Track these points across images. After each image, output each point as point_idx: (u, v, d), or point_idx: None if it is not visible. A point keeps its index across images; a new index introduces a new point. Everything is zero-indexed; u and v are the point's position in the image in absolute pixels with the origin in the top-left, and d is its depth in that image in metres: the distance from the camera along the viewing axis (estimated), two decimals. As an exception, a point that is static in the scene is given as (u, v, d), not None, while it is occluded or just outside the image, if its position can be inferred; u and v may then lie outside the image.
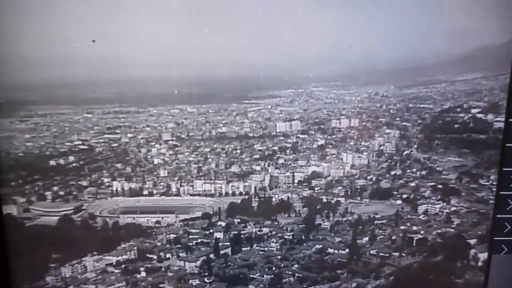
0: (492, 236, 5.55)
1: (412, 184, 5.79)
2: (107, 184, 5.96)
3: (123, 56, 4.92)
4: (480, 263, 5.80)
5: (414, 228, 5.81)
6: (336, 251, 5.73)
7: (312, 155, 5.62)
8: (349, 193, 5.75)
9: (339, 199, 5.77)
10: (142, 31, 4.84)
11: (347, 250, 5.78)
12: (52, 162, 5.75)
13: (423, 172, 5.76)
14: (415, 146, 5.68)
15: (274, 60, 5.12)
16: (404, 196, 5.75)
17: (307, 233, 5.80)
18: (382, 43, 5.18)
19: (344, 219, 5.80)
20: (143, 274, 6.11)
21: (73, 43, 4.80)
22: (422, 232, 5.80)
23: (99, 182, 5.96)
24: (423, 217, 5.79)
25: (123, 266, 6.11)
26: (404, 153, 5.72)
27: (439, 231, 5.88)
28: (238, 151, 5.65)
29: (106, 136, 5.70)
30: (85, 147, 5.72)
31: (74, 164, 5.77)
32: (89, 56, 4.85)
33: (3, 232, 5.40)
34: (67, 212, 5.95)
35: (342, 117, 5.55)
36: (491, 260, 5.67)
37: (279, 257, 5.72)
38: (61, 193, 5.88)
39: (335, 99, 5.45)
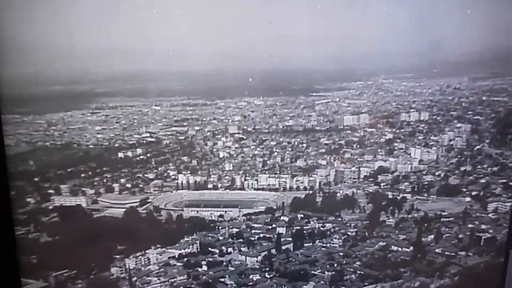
0: (510, 232, 5.32)
1: (483, 180, 5.59)
2: (173, 177, 6.00)
3: (191, 49, 4.93)
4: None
5: (483, 226, 5.60)
6: (400, 249, 5.58)
7: (379, 150, 5.50)
8: (415, 189, 5.60)
9: (405, 195, 5.62)
10: (209, 24, 4.84)
11: (411, 248, 5.62)
12: (120, 154, 5.83)
13: (495, 168, 5.55)
14: (487, 141, 5.49)
15: (343, 52, 5.03)
16: (474, 193, 5.56)
17: (371, 230, 5.67)
18: (454, 35, 5.03)
19: (410, 216, 5.64)
20: (205, 268, 6.10)
21: (142, 36, 4.85)
22: (490, 231, 5.59)
23: (165, 175, 6.00)
24: (493, 215, 5.58)
25: (185, 259, 6.12)
26: (475, 148, 5.54)
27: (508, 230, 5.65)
28: (304, 145, 5.58)
29: (173, 128, 5.73)
30: (152, 139, 5.77)
31: (141, 157, 5.82)
32: (157, 49, 4.88)
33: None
34: (133, 205, 6.02)
35: (412, 110, 5.41)
36: (509, 256, 5.42)
37: (341, 253, 5.62)
38: (128, 185, 5.94)
39: (405, 91, 5.32)
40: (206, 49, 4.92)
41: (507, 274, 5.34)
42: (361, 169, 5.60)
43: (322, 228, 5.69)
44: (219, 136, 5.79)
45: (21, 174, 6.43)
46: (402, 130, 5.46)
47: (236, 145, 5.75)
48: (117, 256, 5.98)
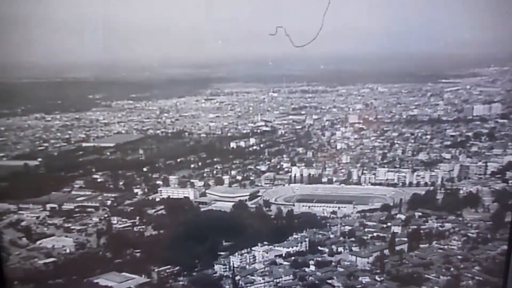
0: (512, 232, 5.49)
1: None
2: (286, 169, 6.81)
3: (311, 31, 5.56)
4: None
5: None
6: (526, 254, 5.96)
7: (510, 143, 6.11)
8: (549, 187, 6.03)
9: (536, 193, 6.06)
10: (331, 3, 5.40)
11: (539, 253, 5.99)
12: (232, 144, 6.72)
13: None
14: None
15: (476, 35, 5.56)
16: None
17: (494, 232, 5.96)
18: None
19: (540, 217, 6.03)
20: (312, 268, 6.84)
21: (261, 18, 5.60)
22: None
23: (278, 167, 6.82)
24: None
25: (293, 258, 6.89)
26: None
27: None
28: (428, 137, 6.22)
29: (290, 117, 6.57)
30: (267, 128, 6.65)
31: (254, 147, 6.70)
32: (275, 31, 5.56)
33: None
34: (243, 198, 6.86)
35: (554, 99, 5.89)
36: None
37: (459, 256, 5.87)
38: (239, 177, 6.80)
39: (546, 78, 5.80)
40: (327, 31, 5.51)
41: (509, 276, 5.59)
42: (488, 164, 6.21)
43: (440, 228, 6.21)
44: (338, 126, 6.58)
45: (130, 163, 7.46)
46: (539, 122, 6.01)
47: (356, 136, 6.51)
48: (222, 253, 6.80)
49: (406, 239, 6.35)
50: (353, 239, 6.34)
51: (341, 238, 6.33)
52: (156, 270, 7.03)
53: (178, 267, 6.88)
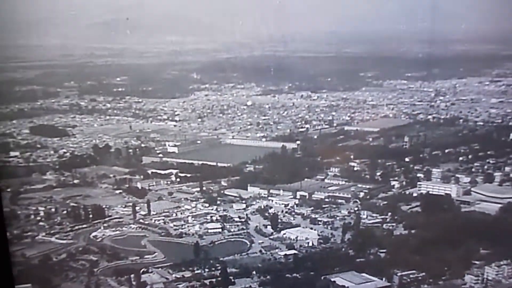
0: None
1: None
2: None
3: None
4: None
5: None
6: None
7: None
8: None
9: None
10: None
11: None
12: None
13: None
14: None
15: None
16: None
17: None
18: None
19: None
20: None
21: None
22: None
23: None
24: None
25: None
26: None
27: None
28: None
29: None
30: None
31: None
32: None
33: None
34: None
35: None
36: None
37: None
38: None
39: None
40: None
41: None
42: None
43: None
44: None
45: (392, 151, 8.61)
46: None
47: None
48: (477, 262, 6.65)
49: None
50: None
51: None
52: (399, 274, 7.05)
53: (423, 273, 6.36)
